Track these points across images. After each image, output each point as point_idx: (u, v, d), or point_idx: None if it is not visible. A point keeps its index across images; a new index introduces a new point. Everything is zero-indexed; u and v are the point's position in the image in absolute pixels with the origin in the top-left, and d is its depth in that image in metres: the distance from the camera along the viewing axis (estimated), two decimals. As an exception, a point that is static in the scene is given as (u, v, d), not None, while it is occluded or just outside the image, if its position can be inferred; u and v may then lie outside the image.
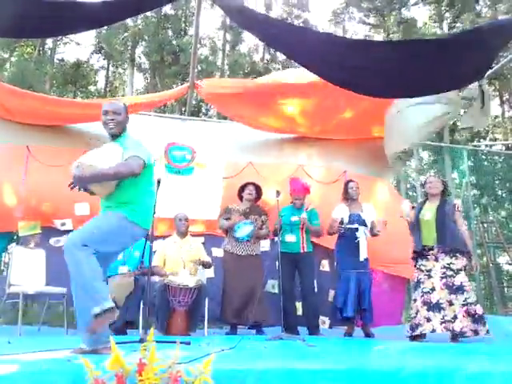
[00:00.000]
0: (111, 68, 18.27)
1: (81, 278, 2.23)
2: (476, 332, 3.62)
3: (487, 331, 3.63)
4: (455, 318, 3.65)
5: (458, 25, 14.71)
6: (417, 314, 3.85)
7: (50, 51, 15.52)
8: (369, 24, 17.00)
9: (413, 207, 4.23)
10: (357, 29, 18.30)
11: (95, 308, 2.18)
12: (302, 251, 4.61)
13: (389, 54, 3.90)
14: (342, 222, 4.54)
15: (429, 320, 3.76)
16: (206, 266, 4.49)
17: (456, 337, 3.68)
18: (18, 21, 4.17)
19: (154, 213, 2.75)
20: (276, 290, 5.02)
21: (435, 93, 4.58)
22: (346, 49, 4.03)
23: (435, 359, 2.39)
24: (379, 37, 16.67)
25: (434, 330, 3.73)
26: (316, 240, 4.94)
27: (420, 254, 4.01)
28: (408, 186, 13.61)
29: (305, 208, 4.72)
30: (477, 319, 3.64)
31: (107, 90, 17.79)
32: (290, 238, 4.63)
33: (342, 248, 4.59)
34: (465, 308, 3.65)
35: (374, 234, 4.60)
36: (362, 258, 4.44)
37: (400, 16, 15.99)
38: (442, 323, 3.68)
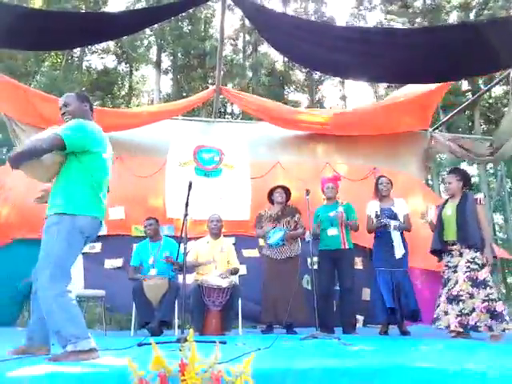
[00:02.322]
0: (136, 73, 18.59)
1: (53, 321, 2.17)
2: (490, 328, 3.53)
3: (504, 329, 3.50)
4: (473, 310, 3.59)
5: (485, 12, 14.24)
6: (437, 308, 3.85)
7: (77, 59, 15.93)
8: (392, 13, 16.68)
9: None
10: (379, 18, 17.95)
11: (69, 346, 2.10)
12: (343, 247, 4.53)
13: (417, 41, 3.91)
14: (377, 216, 4.46)
15: (446, 313, 3.74)
16: (233, 273, 4.54)
17: (476, 329, 3.59)
18: (46, 34, 4.34)
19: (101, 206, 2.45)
20: (310, 287, 5.00)
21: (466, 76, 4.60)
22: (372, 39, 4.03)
23: (473, 358, 2.34)
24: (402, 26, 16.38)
25: (448, 326, 3.69)
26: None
27: (444, 250, 3.97)
28: (440, 179, 13.30)
29: (340, 203, 4.69)
30: (495, 316, 3.54)
31: (132, 94, 18.13)
32: (332, 231, 4.55)
33: (377, 245, 4.53)
34: (485, 304, 3.57)
35: (406, 229, 4.52)
36: (398, 256, 4.34)
37: (424, 4, 15.66)
38: (457, 316, 3.63)
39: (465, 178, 4.07)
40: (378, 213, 4.46)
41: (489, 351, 2.88)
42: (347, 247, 4.57)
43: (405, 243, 4.46)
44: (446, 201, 4.13)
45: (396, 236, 4.42)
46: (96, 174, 2.41)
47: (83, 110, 2.52)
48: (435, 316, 3.83)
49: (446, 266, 3.94)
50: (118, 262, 5.38)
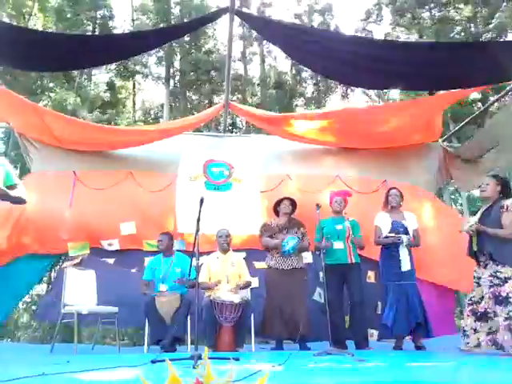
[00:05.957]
0: (143, 87, 18.81)
1: None
2: None
3: None
4: (498, 330, 3.44)
5: (493, 21, 14.24)
6: (466, 324, 3.68)
7: (86, 77, 16.15)
8: (401, 26, 16.74)
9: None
10: (388, 30, 18.01)
11: None
12: (350, 261, 4.47)
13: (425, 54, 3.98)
14: (397, 232, 4.41)
15: (476, 331, 3.59)
16: (244, 287, 4.52)
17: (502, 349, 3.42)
18: (51, 57, 4.44)
19: None
20: (322, 300, 4.94)
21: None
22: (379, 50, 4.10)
23: (488, 375, 2.31)
24: (412, 38, 16.44)
25: (479, 344, 3.55)
26: (361, 252, 4.75)
27: (476, 260, 3.75)
28: (451, 188, 13.16)
29: (346, 218, 4.67)
30: None
31: (144, 112, 18.34)
32: (338, 244, 4.48)
33: (385, 259, 4.48)
34: (507, 322, 3.37)
35: (415, 245, 4.48)
36: (404, 269, 4.31)
37: (432, 16, 15.72)
38: (488, 334, 3.50)
39: (504, 185, 3.75)
40: (386, 228, 4.44)
41: (506, 366, 2.83)
42: (354, 261, 4.50)
43: (411, 258, 4.41)
44: (481, 207, 3.89)
45: (404, 251, 4.38)
46: None
47: None
48: (464, 331, 3.66)
49: (474, 276, 3.75)
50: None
